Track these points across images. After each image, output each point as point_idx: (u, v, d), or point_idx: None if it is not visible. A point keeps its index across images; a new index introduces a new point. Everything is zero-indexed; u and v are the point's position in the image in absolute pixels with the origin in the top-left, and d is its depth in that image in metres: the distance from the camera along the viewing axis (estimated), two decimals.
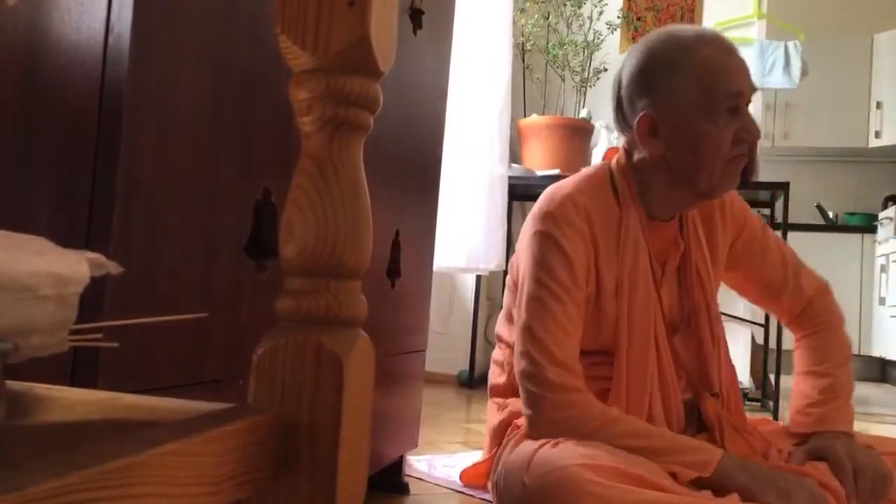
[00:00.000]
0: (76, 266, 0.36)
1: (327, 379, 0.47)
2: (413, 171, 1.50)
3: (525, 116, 3.53)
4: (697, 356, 1.39)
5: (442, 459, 2.03)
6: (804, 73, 3.32)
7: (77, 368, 0.74)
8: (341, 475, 0.48)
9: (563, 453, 1.15)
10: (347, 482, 0.48)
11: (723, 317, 3.45)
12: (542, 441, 1.21)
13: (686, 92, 1.25)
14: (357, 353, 0.49)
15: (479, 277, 3.30)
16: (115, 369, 0.74)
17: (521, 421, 1.34)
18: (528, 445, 1.23)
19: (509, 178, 3.20)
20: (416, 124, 1.48)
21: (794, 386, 1.45)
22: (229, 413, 0.44)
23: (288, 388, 0.48)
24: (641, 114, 1.27)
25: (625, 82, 1.30)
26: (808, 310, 1.45)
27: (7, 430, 0.38)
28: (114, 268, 0.39)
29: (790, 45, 3.31)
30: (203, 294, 0.85)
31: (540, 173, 3.28)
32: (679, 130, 1.26)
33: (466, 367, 3.38)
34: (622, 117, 1.33)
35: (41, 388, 0.54)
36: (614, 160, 1.39)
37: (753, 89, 1.29)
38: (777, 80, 3.31)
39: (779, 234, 3.00)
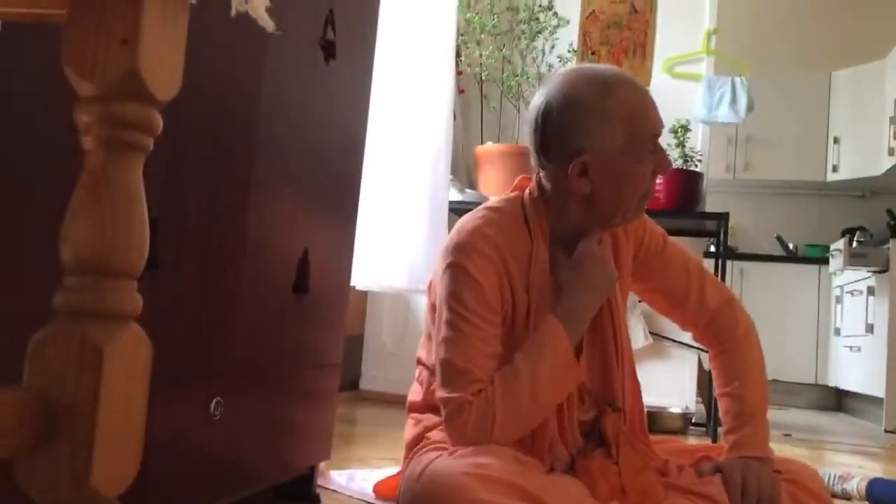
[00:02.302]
0: None
1: (88, 366, 0.54)
2: (326, 192, 1.57)
3: (482, 144, 3.63)
4: (602, 371, 1.44)
5: (364, 474, 2.08)
6: (750, 108, 3.43)
7: None
8: (99, 452, 0.54)
9: (455, 462, 1.20)
10: (107, 459, 0.55)
11: (669, 342, 3.51)
12: (441, 452, 1.27)
13: (615, 137, 1.31)
14: (120, 344, 0.56)
15: None
16: None
17: (433, 434, 1.39)
18: (428, 455, 1.29)
19: (464, 202, 3.28)
20: (328, 148, 1.55)
21: None
22: None
23: (55, 372, 0.54)
24: (576, 160, 1.31)
25: (554, 124, 1.34)
26: (714, 324, 1.48)
27: None
28: None
29: (736, 80, 3.42)
30: None
31: (493, 199, 3.36)
32: (608, 172, 1.32)
33: None
34: (546, 153, 1.37)
35: None
36: (527, 191, 1.44)
37: (663, 124, 1.38)
38: (724, 114, 3.41)
39: (721, 262, 3.09)
